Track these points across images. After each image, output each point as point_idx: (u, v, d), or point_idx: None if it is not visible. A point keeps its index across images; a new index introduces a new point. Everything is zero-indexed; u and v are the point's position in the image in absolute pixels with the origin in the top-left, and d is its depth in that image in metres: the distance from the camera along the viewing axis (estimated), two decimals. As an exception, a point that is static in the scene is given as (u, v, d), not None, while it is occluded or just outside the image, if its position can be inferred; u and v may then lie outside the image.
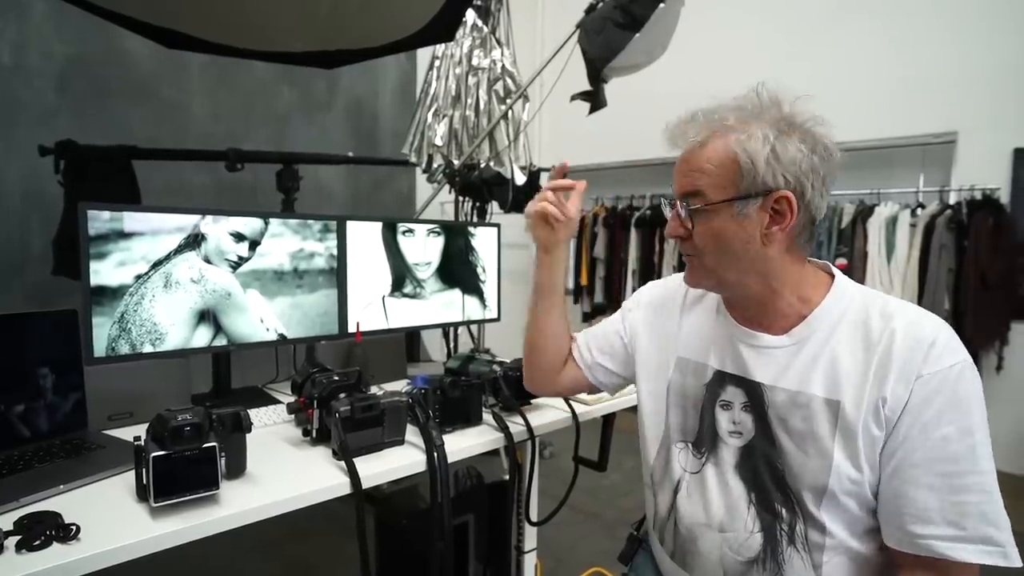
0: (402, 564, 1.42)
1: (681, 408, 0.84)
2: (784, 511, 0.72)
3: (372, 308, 1.47)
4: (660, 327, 0.91)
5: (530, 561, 1.50)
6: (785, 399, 0.73)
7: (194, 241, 1.18)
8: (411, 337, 1.75)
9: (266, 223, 1.27)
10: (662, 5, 2.16)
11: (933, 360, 0.66)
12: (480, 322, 1.87)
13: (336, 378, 0.98)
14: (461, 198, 2.81)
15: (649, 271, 3.72)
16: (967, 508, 0.64)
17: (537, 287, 0.99)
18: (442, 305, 1.60)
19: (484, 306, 1.69)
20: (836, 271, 0.79)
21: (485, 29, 2.86)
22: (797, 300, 0.75)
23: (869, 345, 0.70)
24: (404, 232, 1.52)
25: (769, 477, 0.74)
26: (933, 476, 0.65)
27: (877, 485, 0.69)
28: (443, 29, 1.92)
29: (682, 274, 0.93)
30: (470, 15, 2.79)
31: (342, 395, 0.93)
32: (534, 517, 1.36)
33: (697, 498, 0.79)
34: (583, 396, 1.28)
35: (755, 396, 0.76)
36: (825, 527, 0.70)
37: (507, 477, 1.49)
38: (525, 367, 1.06)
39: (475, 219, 2.81)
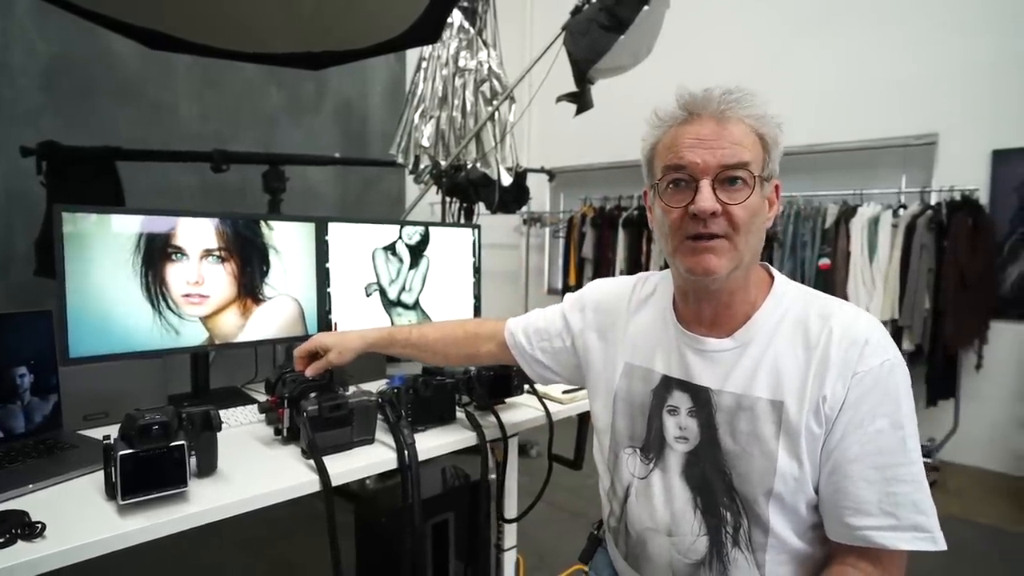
0: (382, 561, 1.43)
1: (628, 414, 0.84)
2: (729, 514, 0.73)
3: (351, 308, 1.48)
4: (608, 331, 0.90)
5: (510, 559, 1.51)
6: (731, 403, 0.74)
7: (172, 241, 1.18)
8: (393, 337, 1.76)
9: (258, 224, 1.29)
10: (646, 8, 2.18)
11: (867, 358, 0.69)
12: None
13: (307, 378, 0.99)
14: (448, 199, 2.83)
15: (637, 271, 3.74)
16: (900, 498, 0.66)
17: (397, 354, 1.11)
18: (423, 305, 1.62)
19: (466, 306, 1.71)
20: (775, 271, 0.80)
21: (472, 30, 2.87)
22: (747, 299, 0.77)
23: (808, 346, 0.72)
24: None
25: (716, 481, 0.74)
26: (869, 469, 0.67)
27: (817, 482, 0.71)
28: (428, 30, 1.94)
29: (635, 276, 0.95)
30: (456, 16, 2.80)
31: (312, 395, 0.95)
32: (510, 515, 1.37)
33: (644, 503, 0.80)
34: (556, 395, 1.30)
35: (701, 401, 0.76)
36: (769, 527, 0.71)
37: (491, 475, 1.51)
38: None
39: (462, 220, 2.83)
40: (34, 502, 0.78)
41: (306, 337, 1.38)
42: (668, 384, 0.80)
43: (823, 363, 0.70)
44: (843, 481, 0.68)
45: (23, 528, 0.68)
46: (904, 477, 0.67)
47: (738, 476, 0.73)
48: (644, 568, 0.81)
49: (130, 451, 0.74)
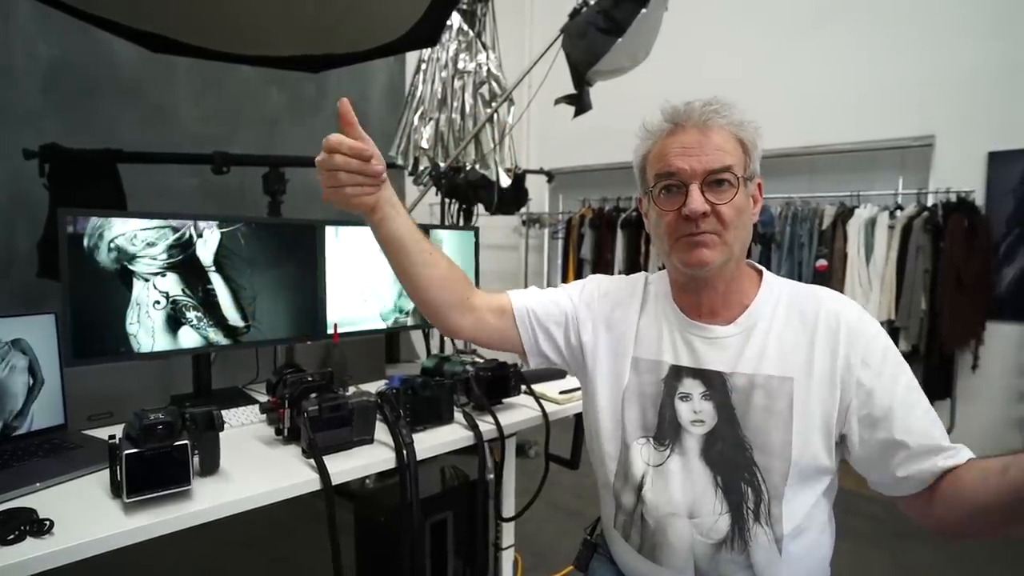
0: (382, 560, 1.45)
1: (639, 406, 0.86)
2: (750, 490, 0.77)
3: (348, 311, 1.49)
4: (617, 327, 0.91)
5: (507, 557, 1.53)
6: (745, 383, 0.79)
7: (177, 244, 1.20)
8: (392, 337, 1.78)
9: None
10: (644, 10, 2.19)
11: (864, 325, 0.78)
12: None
13: (309, 379, 1.01)
14: (447, 200, 2.84)
15: (635, 272, 3.76)
16: (938, 429, 0.74)
17: (399, 242, 0.83)
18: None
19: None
20: (761, 267, 0.88)
21: (471, 33, 2.89)
22: (741, 289, 0.84)
23: (805, 324, 0.80)
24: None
25: (737, 458, 0.78)
26: (909, 411, 0.74)
27: (841, 444, 0.78)
28: (427, 33, 1.95)
29: (638, 274, 0.97)
30: (455, 19, 2.82)
31: (312, 395, 0.96)
32: (508, 514, 1.39)
33: (663, 489, 0.81)
34: (552, 395, 1.32)
35: (715, 385, 0.81)
36: (786, 500, 0.75)
37: (489, 475, 1.52)
38: (432, 318, 0.90)
39: (461, 221, 2.84)
40: (41, 500, 0.79)
41: (311, 337, 1.40)
42: (678, 373, 0.84)
43: (825, 337, 0.77)
44: (891, 429, 0.73)
45: (31, 525, 0.70)
46: (933, 416, 0.75)
47: (759, 450, 0.77)
48: (663, 556, 0.81)
49: (135, 450, 0.76)
